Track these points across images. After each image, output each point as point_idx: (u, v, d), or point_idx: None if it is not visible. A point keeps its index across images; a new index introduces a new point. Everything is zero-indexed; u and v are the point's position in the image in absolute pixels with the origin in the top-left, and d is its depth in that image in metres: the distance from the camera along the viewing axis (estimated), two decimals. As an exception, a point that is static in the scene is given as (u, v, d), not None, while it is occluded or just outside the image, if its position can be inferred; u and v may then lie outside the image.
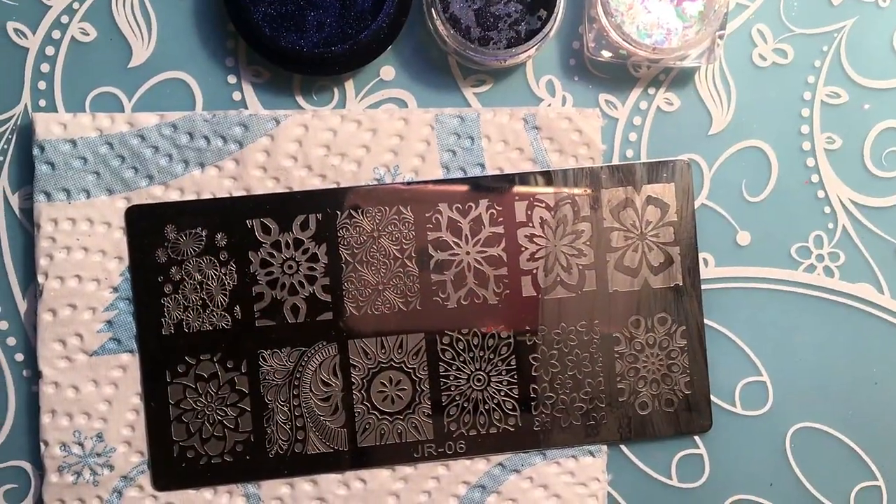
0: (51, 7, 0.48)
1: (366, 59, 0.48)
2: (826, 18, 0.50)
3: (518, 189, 0.49)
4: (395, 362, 0.48)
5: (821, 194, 0.50)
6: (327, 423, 0.49)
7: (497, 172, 0.49)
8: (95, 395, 0.48)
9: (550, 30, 0.47)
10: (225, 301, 0.48)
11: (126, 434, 0.48)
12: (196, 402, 0.48)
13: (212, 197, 0.48)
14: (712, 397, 0.50)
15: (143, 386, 0.48)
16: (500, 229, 0.49)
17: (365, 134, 0.49)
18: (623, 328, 0.49)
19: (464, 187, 0.48)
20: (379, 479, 0.49)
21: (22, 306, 0.48)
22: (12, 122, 0.48)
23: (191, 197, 0.48)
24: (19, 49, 0.48)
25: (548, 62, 0.50)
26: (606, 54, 0.48)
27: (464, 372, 0.49)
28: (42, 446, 0.48)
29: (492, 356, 0.49)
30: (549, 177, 0.49)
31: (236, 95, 0.49)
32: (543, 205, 0.49)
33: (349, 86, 0.49)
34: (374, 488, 0.49)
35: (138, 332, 0.48)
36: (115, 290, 0.48)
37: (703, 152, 0.50)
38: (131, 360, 0.48)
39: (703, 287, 0.50)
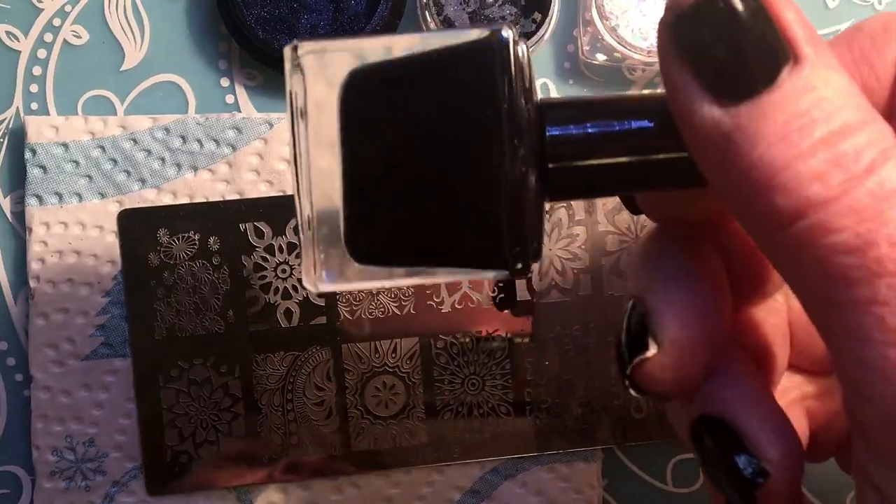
0: (43, 10, 0.48)
1: (359, 62, 0.48)
2: (822, 21, 0.50)
3: (513, 192, 0.48)
4: (388, 367, 0.48)
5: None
6: (321, 428, 0.48)
7: (491, 176, 0.49)
8: (88, 399, 0.47)
9: (545, 33, 0.47)
10: (218, 305, 0.48)
11: (118, 439, 0.48)
12: (189, 406, 0.48)
13: (205, 200, 0.48)
14: (708, 401, 0.50)
15: (136, 391, 0.48)
16: (495, 233, 0.48)
17: (359, 137, 0.48)
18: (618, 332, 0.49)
19: (458, 191, 0.48)
20: (373, 485, 0.49)
21: (13, 310, 0.48)
22: (4, 125, 0.48)
23: (183, 200, 0.48)
24: (11, 52, 0.48)
25: (542, 65, 0.50)
26: (601, 57, 0.48)
27: (458, 376, 0.48)
28: (34, 451, 0.47)
29: (486, 360, 0.48)
30: (543, 180, 0.49)
31: (229, 98, 0.49)
32: (538, 208, 0.49)
33: (343, 89, 0.49)
34: (368, 494, 0.49)
35: (131, 337, 0.48)
36: (108, 294, 0.47)
37: (699, 155, 0.50)
38: (124, 365, 0.48)
39: (698, 291, 0.50)
